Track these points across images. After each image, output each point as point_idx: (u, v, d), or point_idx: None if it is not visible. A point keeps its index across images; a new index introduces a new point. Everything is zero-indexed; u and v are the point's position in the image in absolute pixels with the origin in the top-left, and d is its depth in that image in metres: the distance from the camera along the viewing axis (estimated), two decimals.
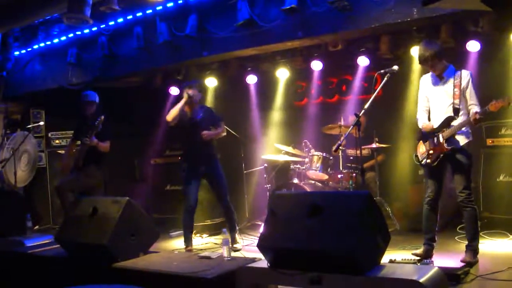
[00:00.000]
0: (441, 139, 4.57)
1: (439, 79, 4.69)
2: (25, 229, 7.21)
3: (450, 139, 4.54)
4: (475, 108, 4.49)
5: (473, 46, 5.95)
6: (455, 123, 4.55)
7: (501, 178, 5.87)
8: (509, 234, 5.44)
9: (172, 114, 5.65)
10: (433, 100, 4.76)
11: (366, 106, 4.51)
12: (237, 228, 6.00)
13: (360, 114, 4.47)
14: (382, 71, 4.66)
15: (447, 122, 4.58)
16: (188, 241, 5.69)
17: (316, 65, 7.06)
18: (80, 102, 6.35)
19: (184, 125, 5.74)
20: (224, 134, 5.94)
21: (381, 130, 6.70)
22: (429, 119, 4.82)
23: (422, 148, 4.80)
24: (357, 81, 7.47)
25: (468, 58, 6.30)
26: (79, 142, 6.32)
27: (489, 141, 6.07)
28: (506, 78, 6.17)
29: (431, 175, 4.77)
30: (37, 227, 8.14)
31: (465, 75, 4.58)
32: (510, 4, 3.17)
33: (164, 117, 8.52)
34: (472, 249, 4.52)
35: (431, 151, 4.66)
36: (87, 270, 4.12)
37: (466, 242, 4.59)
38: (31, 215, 8.10)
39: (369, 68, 6.96)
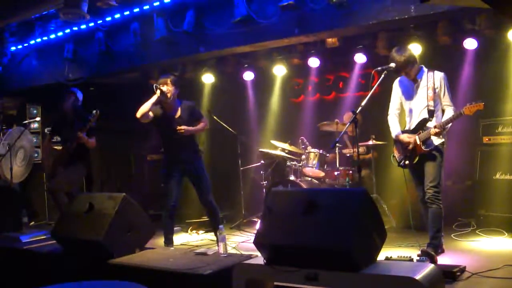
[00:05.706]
0: (418, 141, 4.62)
1: (413, 82, 4.74)
2: (21, 225, 7.21)
3: (426, 141, 4.59)
4: (449, 109, 4.58)
5: (470, 44, 5.96)
6: (430, 124, 4.59)
7: (497, 176, 5.88)
8: (505, 232, 5.45)
9: (141, 111, 5.16)
10: (409, 103, 4.80)
11: (363, 103, 4.50)
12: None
13: (357, 111, 4.47)
14: (379, 68, 4.66)
15: (422, 124, 4.64)
16: (168, 241, 5.49)
17: (313, 62, 7.06)
18: (63, 96, 6.26)
19: (160, 123, 5.40)
20: (205, 127, 5.60)
21: (377, 127, 6.69)
22: (401, 122, 4.88)
23: (399, 150, 4.85)
24: (354, 78, 7.49)
25: (465, 56, 6.31)
26: (58, 138, 6.35)
27: (485, 139, 6.07)
28: (503, 76, 6.18)
29: (413, 175, 4.83)
30: (33, 222, 8.12)
31: (438, 76, 4.62)
32: (509, 2, 3.16)
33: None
34: (433, 246, 4.51)
35: (408, 153, 4.71)
36: (83, 266, 4.11)
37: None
38: (27, 211, 8.11)
39: (366, 65, 6.97)
